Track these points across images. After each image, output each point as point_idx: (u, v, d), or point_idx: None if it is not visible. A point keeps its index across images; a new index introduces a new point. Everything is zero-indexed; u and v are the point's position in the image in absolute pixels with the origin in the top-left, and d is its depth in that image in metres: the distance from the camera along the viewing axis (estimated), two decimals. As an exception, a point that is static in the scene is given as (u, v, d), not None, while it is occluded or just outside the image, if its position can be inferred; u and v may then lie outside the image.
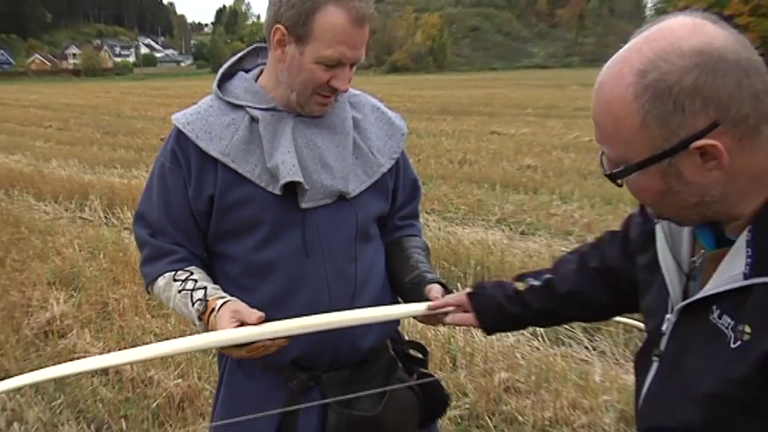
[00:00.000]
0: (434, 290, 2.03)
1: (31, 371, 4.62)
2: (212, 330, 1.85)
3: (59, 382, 4.70)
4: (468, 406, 4.30)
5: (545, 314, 1.93)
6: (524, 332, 5.31)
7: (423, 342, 2.74)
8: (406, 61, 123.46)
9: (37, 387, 4.64)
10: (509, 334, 5.23)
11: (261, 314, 1.79)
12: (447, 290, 2.04)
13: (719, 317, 1.25)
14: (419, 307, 1.97)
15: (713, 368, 1.24)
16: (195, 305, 1.92)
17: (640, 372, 1.51)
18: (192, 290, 1.95)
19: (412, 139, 16.46)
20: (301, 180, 1.92)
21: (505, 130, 19.43)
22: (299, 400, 2.03)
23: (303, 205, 1.96)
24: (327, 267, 2.01)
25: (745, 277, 1.20)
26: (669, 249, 1.44)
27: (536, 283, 1.91)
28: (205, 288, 1.94)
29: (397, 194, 2.24)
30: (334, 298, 2.00)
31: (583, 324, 5.51)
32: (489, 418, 4.19)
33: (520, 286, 1.93)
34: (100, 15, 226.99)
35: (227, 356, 2.14)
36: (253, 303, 1.92)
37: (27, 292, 6.40)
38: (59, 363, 4.78)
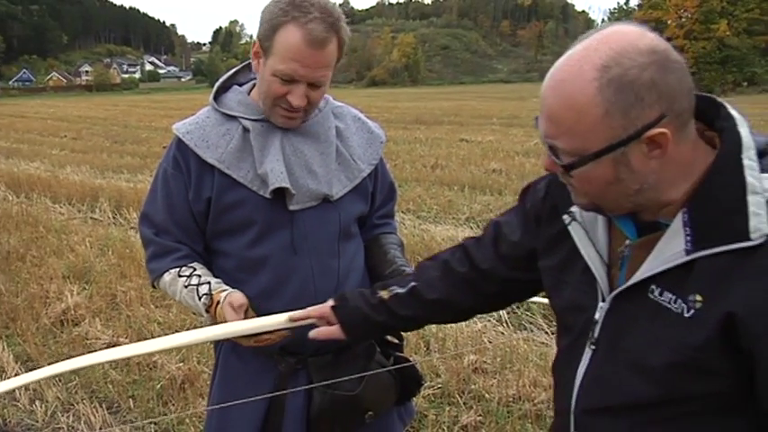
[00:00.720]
0: None
1: (50, 356, 4.64)
2: (220, 321, 1.86)
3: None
4: (440, 386, 4.30)
5: (412, 319, 1.82)
6: (490, 318, 5.33)
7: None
8: (384, 76, 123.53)
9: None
10: (476, 320, 5.24)
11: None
12: None
13: (660, 294, 1.25)
14: (280, 318, 1.86)
15: (666, 340, 1.24)
16: (202, 299, 1.92)
17: (568, 363, 1.47)
18: (198, 285, 1.94)
19: (389, 146, 16.46)
20: (288, 186, 1.93)
21: (473, 138, 19.50)
22: (288, 380, 2.03)
23: (291, 207, 1.97)
24: (313, 262, 2.01)
25: (687, 253, 1.21)
26: (588, 239, 1.41)
27: (401, 290, 1.79)
28: (209, 283, 1.94)
29: (376, 196, 2.24)
30: (319, 290, 2.00)
31: (543, 311, 5.55)
32: (459, 396, 4.20)
33: (384, 295, 1.80)
34: (110, 37, 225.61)
35: (223, 342, 2.14)
36: (246, 294, 1.94)
37: (45, 285, 6.36)
38: (74, 348, 4.88)
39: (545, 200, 1.57)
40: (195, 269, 1.99)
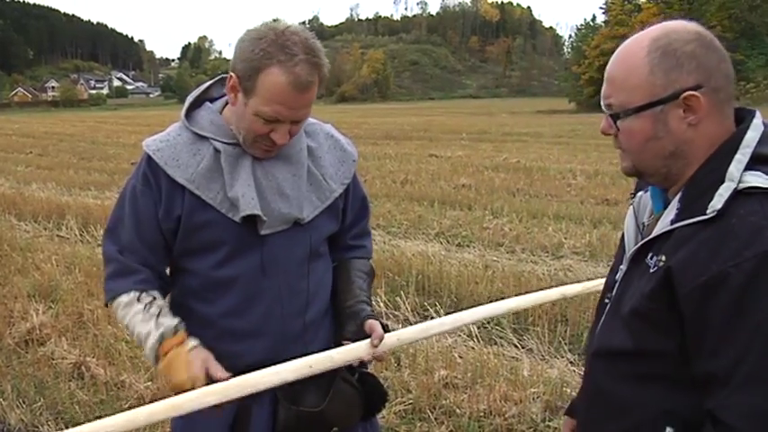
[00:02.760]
0: (377, 328, 1.99)
1: (13, 377, 4.55)
2: (172, 362, 1.84)
3: (39, 386, 4.63)
4: (411, 401, 4.29)
5: None
6: (460, 333, 5.34)
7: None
8: (354, 92, 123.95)
9: (18, 391, 4.55)
10: (446, 336, 5.25)
11: (227, 374, 1.80)
12: (383, 325, 2.02)
13: (650, 258, 1.44)
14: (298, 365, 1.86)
15: (635, 291, 1.46)
16: (162, 329, 1.89)
17: (597, 317, 1.67)
18: (158, 315, 1.92)
19: (359, 162, 16.39)
20: (260, 213, 1.92)
21: (443, 153, 19.58)
22: (253, 396, 2.01)
23: (262, 232, 1.96)
24: (281, 284, 2.01)
25: (672, 223, 1.41)
26: (634, 218, 1.65)
27: None
28: (176, 320, 1.93)
29: (347, 213, 2.23)
30: (287, 309, 2.00)
31: (512, 325, 5.58)
32: (430, 411, 4.19)
33: None
34: (77, 52, 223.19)
35: None
36: (212, 313, 1.95)
37: (9, 304, 6.25)
38: (39, 369, 4.79)
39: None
40: (155, 299, 1.97)
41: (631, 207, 1.68)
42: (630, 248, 1.57)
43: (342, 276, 2.21)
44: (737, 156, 1.37)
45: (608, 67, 1.49)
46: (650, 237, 1.46)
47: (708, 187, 1.37)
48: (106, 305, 2.06)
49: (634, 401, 1.46)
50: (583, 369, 1.65)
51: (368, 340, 1.96)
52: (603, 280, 1.75)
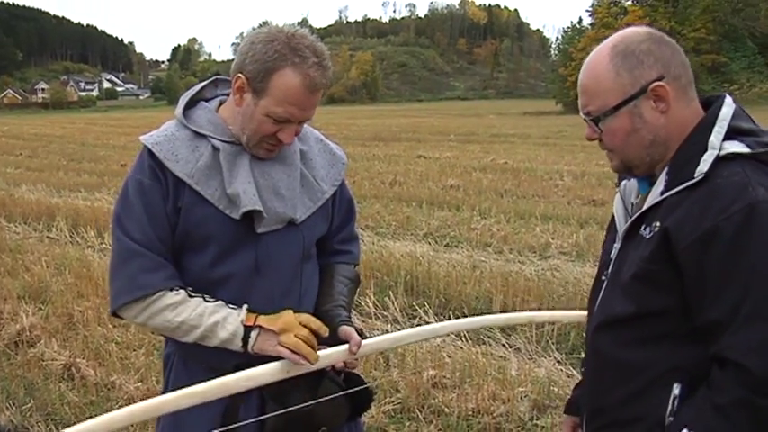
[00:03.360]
0: (352, 334, 1.99)
1: (3, 378, 4.53)
2: (263, 319, 1.91)
3: (29, 387, 4.60)
4: (400, 401, 4.29)
5: None
6: (449, 334, 5.34)
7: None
8: (343, 93, 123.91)
9: (8, 392, 4.53)
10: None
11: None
12: (358, 331, 2.02)
13: (644, 229, 1.57)
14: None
15: (633, 258, 1.58)
16: (245, 307, 1.93)
17: (595, 294, 1.77)
18: (220, 303, 1.95)
19: (348, 163, 16.41)
20: (261, 209, 1.93)
21: (431, 155, 19.62)
22: (241, 395, 1.99)
23: (259, 230, 1.96)
24: (274, 283, 2.01)
25: (662, 194, 1.54)
26: (621, 201, 1.78)
27: None
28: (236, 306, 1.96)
29: (334, 216, 2.23)
30: (277, 308, 1.99)
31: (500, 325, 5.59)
32: (419, 410, 4.19)
33: None
34: (67, 54, 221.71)
35: (173, 358, 2.12)
36: None
37: (-1, 305, 6.23)
38: (29, 370, 4.76)
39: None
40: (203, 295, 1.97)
41: (618, 193, 1.81)
42: (621, 227, 1.70)
43: (324, 280, 2.21)
44: (716, 128, 1.53)
45: (579, 80, 1.66)
46: (642, 210, 1.59)
47: (692, 157, 1.52)
48: (123, 304, 1.95)
49: (641, 364, 1.56)
50: (569, 369, 1.75)
51: (345, 346, 1.97)
52: (572, 312, 1.84)
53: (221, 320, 1.91)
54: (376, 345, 2.14)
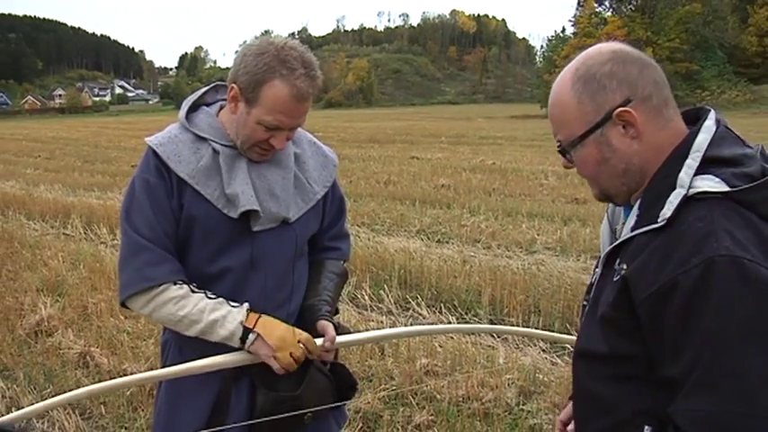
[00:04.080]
0: (329, 330, 2.02)
1: (25, 365, 4.53)
2: (261, 322, 1.92)
3: (48, 374, 4.62)
4: (394, 387, 4.29)
5: None
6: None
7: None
8: (340, 98, 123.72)
9: (30, 378, 4.55)
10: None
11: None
12: (337, 328, 2.05)
13: (618, 264, 1.37)
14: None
15: (605, 299, 1.39)
16: (246, 306, 1.93)
17: (581, 318, 1.63)
18: (226, 299, 1.95)
19: (345, 163, 16.46)
20: (259, 209, 1.94)
21: (423, 156, 19.59)
22: (232, 382, 2.03)
23: (254, 228, 1.97)
24: (268, 278, 2.02)
25: (632, 230, 1.36)
26: (609, 224, 1.61)
27: None
28: (236, 303, 1.96)
29: (325, 214, 2.24)
30: (271, 302, 2.02)
31: (489, 316, 5.59)
32: (412, 397, 4.19)
33: None
34: (82, 62, 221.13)
35: (170, 345, 2.13)
36: None
37: (20, 297, 6.22)
38: (48, 358, 4.76)
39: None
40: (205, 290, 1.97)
41: (606, 214, 1.65)
42: (604, 252, 1.52)
43: (312, 275, 2.21)
44: (688, 161, 1.31)
45: (548, 108, 1.50)
46: (616, 242, 1.41)
47: (661, 194, 1.31)
48: (129, 295, 1.94)
49: (614, 401, 1.41)
50: (554, 357, 1.68)
51: (320, 340, 2.00)
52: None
53: (221, 319, 1.91)
54: (351, 340, 2.20)
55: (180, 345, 2.08)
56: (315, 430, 2.14)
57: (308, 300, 2.13)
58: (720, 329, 1.19)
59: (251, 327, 1.90)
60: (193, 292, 1.93)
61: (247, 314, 1.92)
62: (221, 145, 1.98)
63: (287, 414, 1.99)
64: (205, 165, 1.96)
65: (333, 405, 2.12)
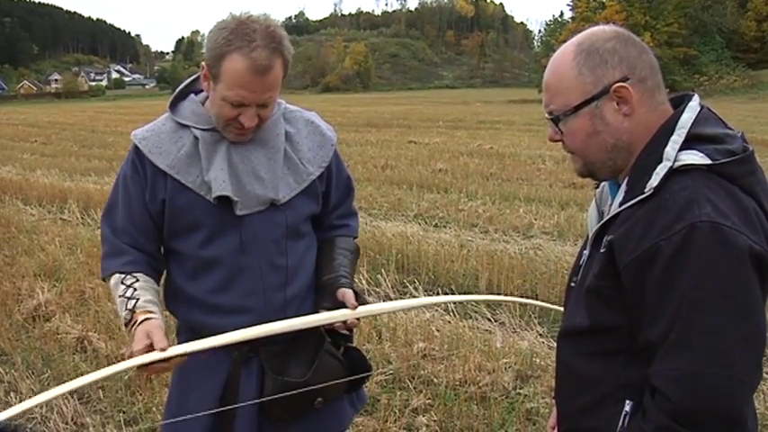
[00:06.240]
0: (348, 295, 2.00)
1: (23, 350, 4.53)
2: (132, 337, 1.84)
3: (46, 358, 4.63)
4: (392, 371, 4.30)
5: None
6: (437, 308, 5.35)
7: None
8: (337, 82, 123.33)
9: (28, 363, 4.56)
10: (425, 311, 5.26)
11: (165, 345, 1.75)
12: (358, 296, 2.02)
13: (607, 240, 1.41)
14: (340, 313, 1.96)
15: (592, 272, 1.45)
16: (124, 314, 1.90)
17: (566, 300, 1.66)
18: (128, 298, 1.91)
19: (342, 148, 16.34)
20: (230, 194, 1.92)
21: (421, 140, 19.55)
22: (241, 367, 2.03)
23: (239, 213, 1.96)
24: (261, 260, 2.00)
25: (620, 206, 1.40)
26: (597, 206, 1.64)
27: None
28: (137, 300, 1.90)
29: (330, 195, 2.21)
30: (267, 285, 2.01)
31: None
32: (410, 381, 4.20)
33: None
34: (78, 47, 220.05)
35: (183, 331, 2.13)
36: (199, 291, 1.99)
37: (17, 282, 6.22)
38: (46, 343, 4.76)
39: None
40: (137, 280, 1.96)
41: (594, 197, 1.67)
42: (591, 234, 1.56)
43: (325, 253, 2.19)
44: (674, 137, 1.37)
45: (544, 78, 1.52)
46: (604, 220, 1.46)
47: (648, 168, 1.37)
48: (103, 280, 2.08)
49: (596, 376, 1.46)
50: (551, 341, 1.70)
51: (344, 310, 1.97)
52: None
53: (122, 317, 1.93)
54: (374, 310, 2.17)
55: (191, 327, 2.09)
56: (327, 413, 2.13)
57: (324, 277, 2.11)
58: (698, 292, 1.26)
59: (133, 328, 1.86)
60: (122, 283, 1.95)
61: (130, 316, 1.88)
62: (202, 130, 1.97)
63: (294, 396, 1.98)
64: (186, 153, 1.96)
65: (333, 399, 2.12)
